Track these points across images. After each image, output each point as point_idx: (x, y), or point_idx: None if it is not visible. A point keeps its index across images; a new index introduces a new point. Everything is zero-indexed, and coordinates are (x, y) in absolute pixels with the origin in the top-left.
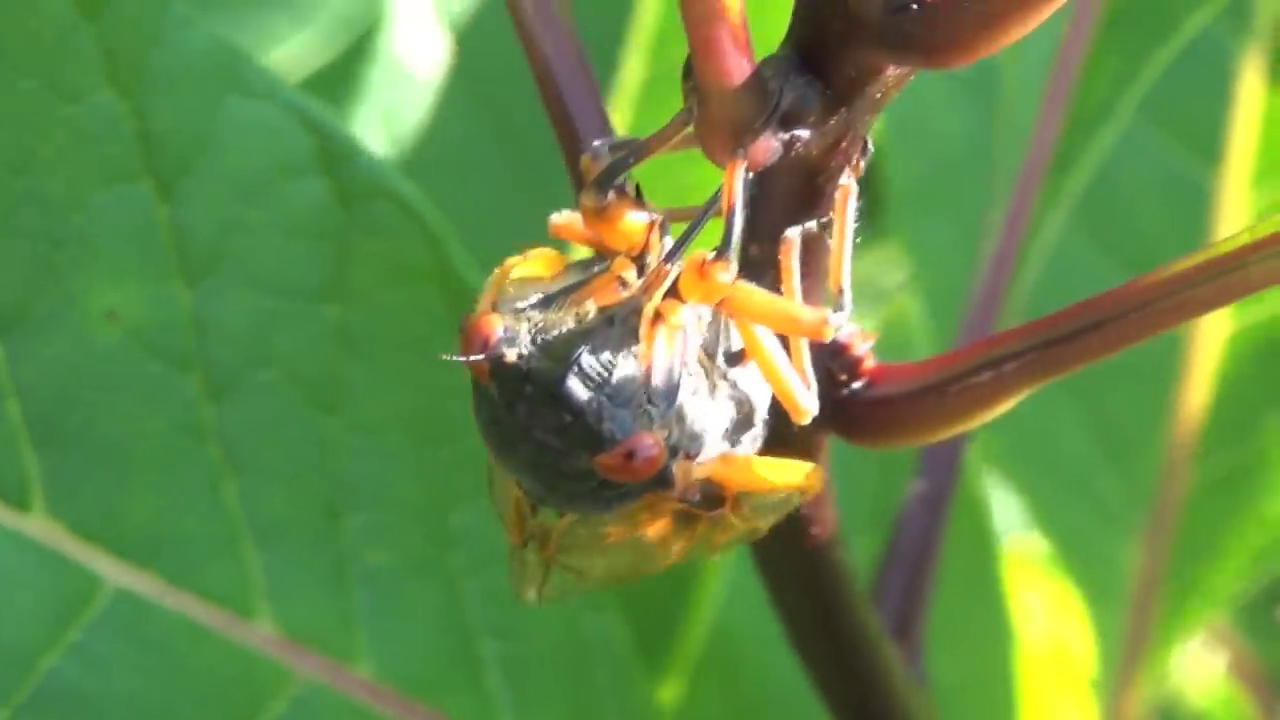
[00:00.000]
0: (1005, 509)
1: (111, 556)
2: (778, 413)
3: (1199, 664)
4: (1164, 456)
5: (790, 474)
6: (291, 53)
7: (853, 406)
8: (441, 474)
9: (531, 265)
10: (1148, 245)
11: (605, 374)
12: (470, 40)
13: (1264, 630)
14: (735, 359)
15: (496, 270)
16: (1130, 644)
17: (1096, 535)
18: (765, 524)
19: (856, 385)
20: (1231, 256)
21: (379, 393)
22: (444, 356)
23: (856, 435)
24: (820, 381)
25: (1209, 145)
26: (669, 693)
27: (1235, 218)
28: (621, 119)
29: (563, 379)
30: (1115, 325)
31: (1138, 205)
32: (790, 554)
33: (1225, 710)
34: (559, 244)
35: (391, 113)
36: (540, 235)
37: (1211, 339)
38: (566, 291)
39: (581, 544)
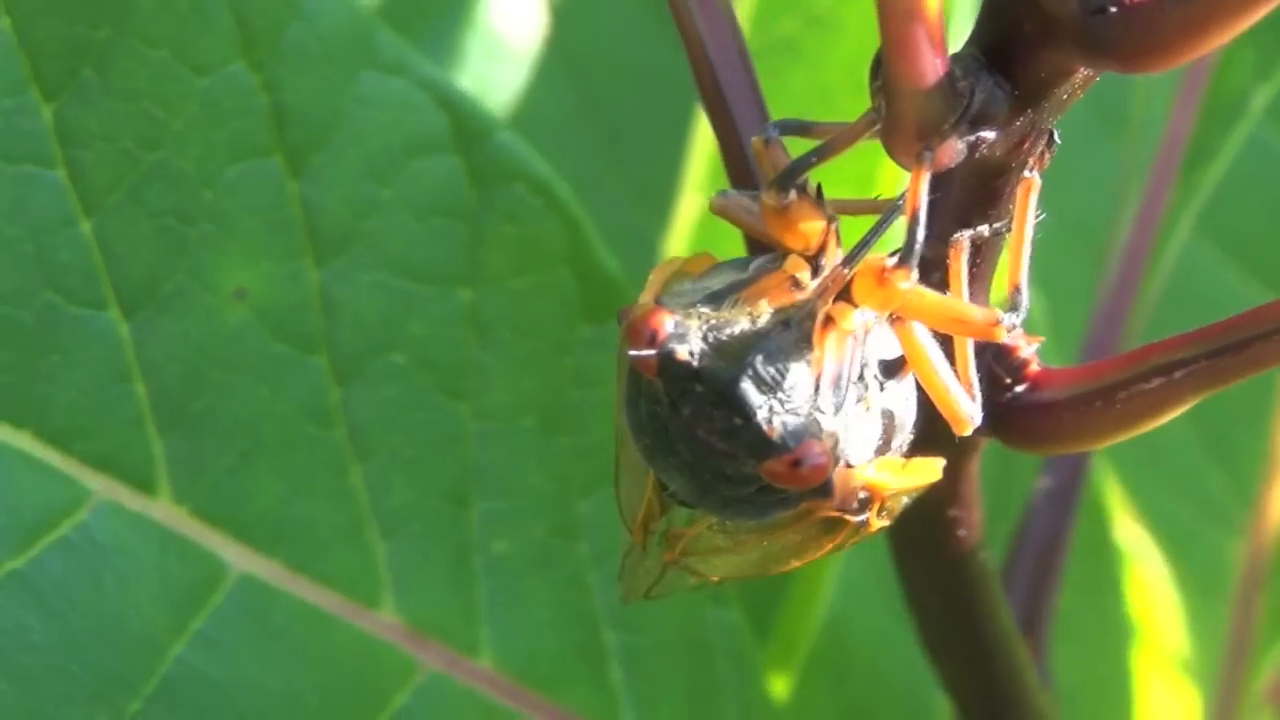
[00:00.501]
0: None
1: (236, 542)
2: (936, 420)
3: None
4: (1269, 451)
5: (929, 473)
6: (386, 22)
7: (1015, 410)
8: (568, 463)
9: (692, 264)
10: (1262, 240)
11: (778, 378)
12: (566, 13)
13: None
14: (890, 370)
15: (659, 265)
16: (1234, 641)
17: (1200, 531)
18: (895, 520)
19: (1020, 389)
20: None
21: (509, 379)
22: (625, 352)
23: (1017, 440)
24: (983, 384)
25: None
26: (780, 686)
27: None
28: None
29: (737, 380)
30: None
31: (1252, 199)
32: (934, 556)
33: None
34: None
35: (485, 85)
36: (632, 211)
37: None
38: (734, 289)
39: (715, 548)
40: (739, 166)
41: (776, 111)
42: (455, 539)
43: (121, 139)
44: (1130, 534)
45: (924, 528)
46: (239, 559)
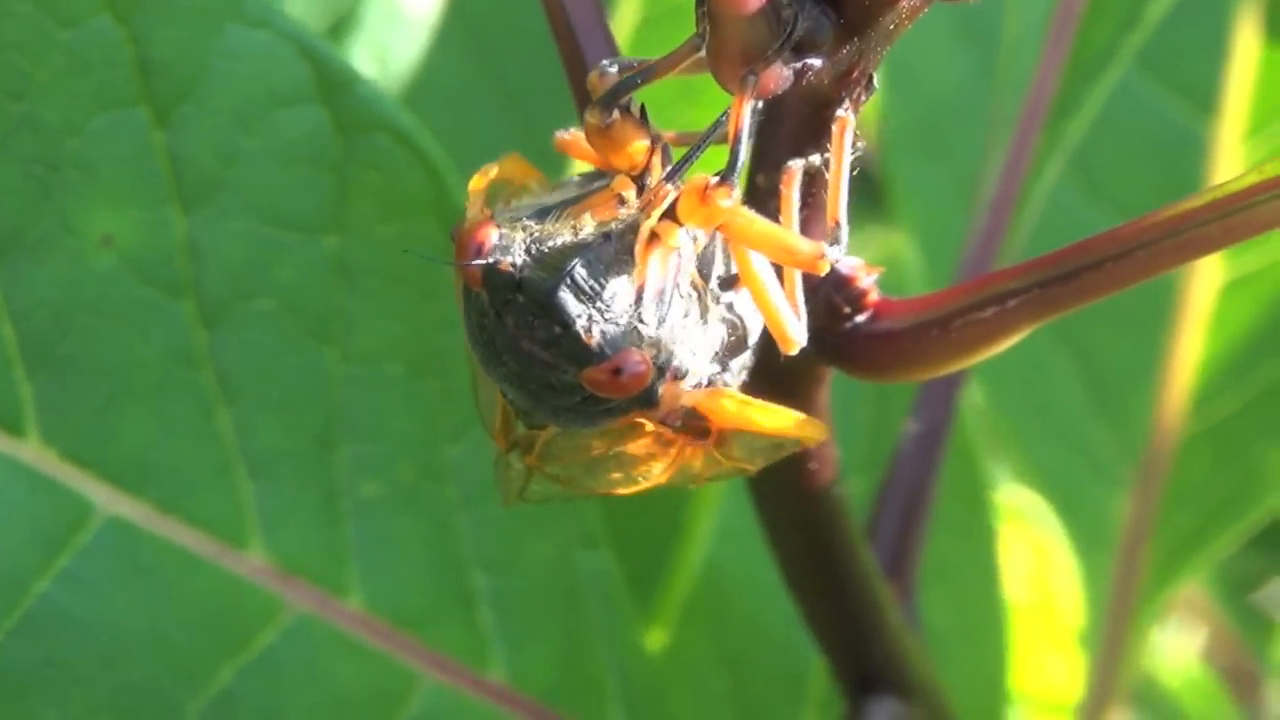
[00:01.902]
0: (998, 464)
1: (104, 482)
2: (770, 343)
3: (1173, 646)
4: (1154, 407)
5: (780, 420)
6: None
7: (855, 339)
8: (436, 407)
9: (505, 169)
10: (1142, 194)
11: (598, 288)
12: None
13: (1235, 617)
14: (729, 284)
15: (475, 176)
16: (1118, 595)
17: (1086, 485)
18: (754, 466)
19: (859, 318)
20: (1238, 195)
21: (375, 324)
22: (437, 261)
23: (858, 368)
24: (823, 313)
25: (1205, 95)
26: (658, 633)
27: (1229, 169)
28: None
29: (555, 290)
30: (1117, 263)
31: (1132, 154)
32: (788, 490)
33: (1198, 693)
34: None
35: (385, 51)
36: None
37: (1204, 288)
38: (564, 205)
39: (564, 455)
40: (586, 102)
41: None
42: (324, 481)
43: None
44: (1018, 488)
45: (778, 462)
46: (107, 500)
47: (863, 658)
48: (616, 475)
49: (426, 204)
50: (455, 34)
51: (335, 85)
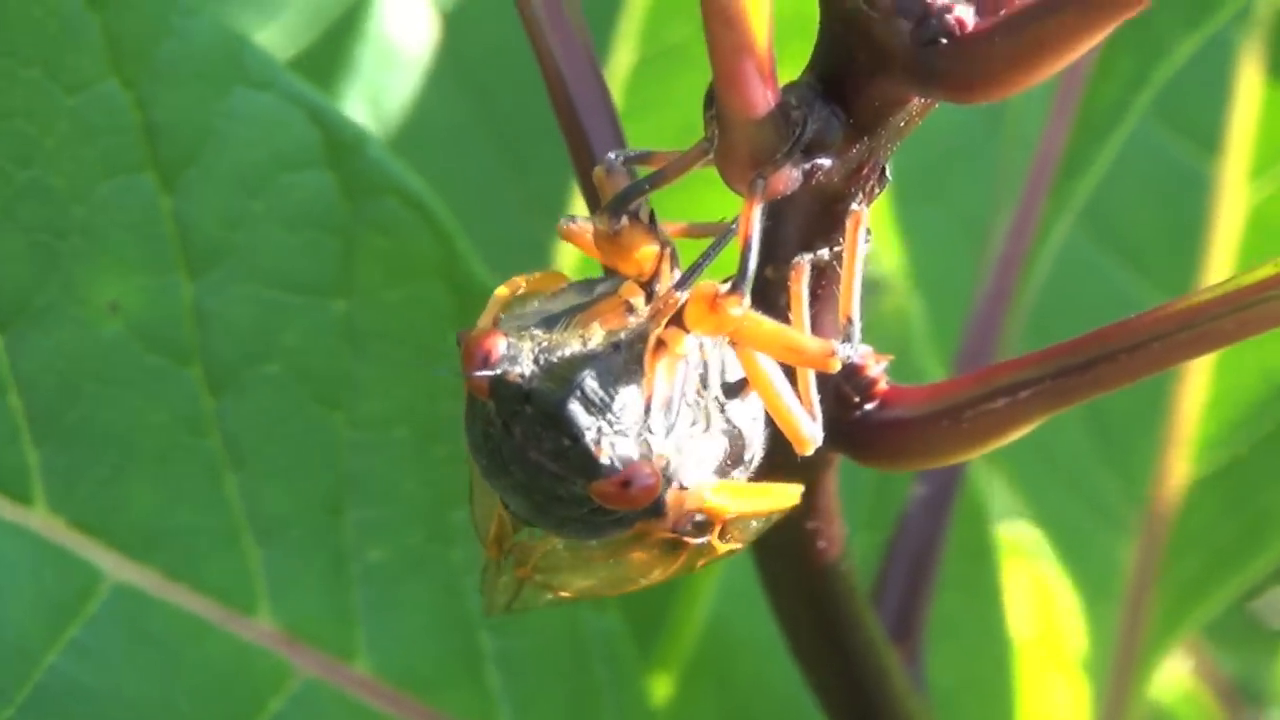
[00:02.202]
0: (1000, 498)
1: (111, 550)
2: (782, 441)
3: (1166, 665)
4: (1160, 452)
5: (780, 499)
6: (279, 31)
7: (863, 428)
8: (443, 471)
9: (537, 284)
10: (1147, 235)
11: (607, 400)
12: (458, 22)
13: (1232, 627)
14: (733, 391)
15: (501, 287)
16: (1125, 639)
17: (1091, 530)
18: (745, 543)
19: (868, 407)
20: (1253, 289)
21: (383, 389)
22: (443, 372)
23: (867, 457)
24: (831, 402)
25: (1209, 136)
26: (662, 691)
27: (1234, 209)
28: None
29: (564, 402)
30: (1132, 356)
31: (1137, 195)
32: (795, 567)
33: (1190, 709)
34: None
35: (378, 93)
36: (524, 218)
37: None
38: (571, 312)
39: (563, 565)
40: (594, 192)
41: (667, 117)
42: (331, 546)
43: None
44: (1024, 535)
45: (784, 540)
46: (115, 567)
47: None
48: (619, 580)
49: (434, 268)
50: (449, 75)
51: (342, 148)
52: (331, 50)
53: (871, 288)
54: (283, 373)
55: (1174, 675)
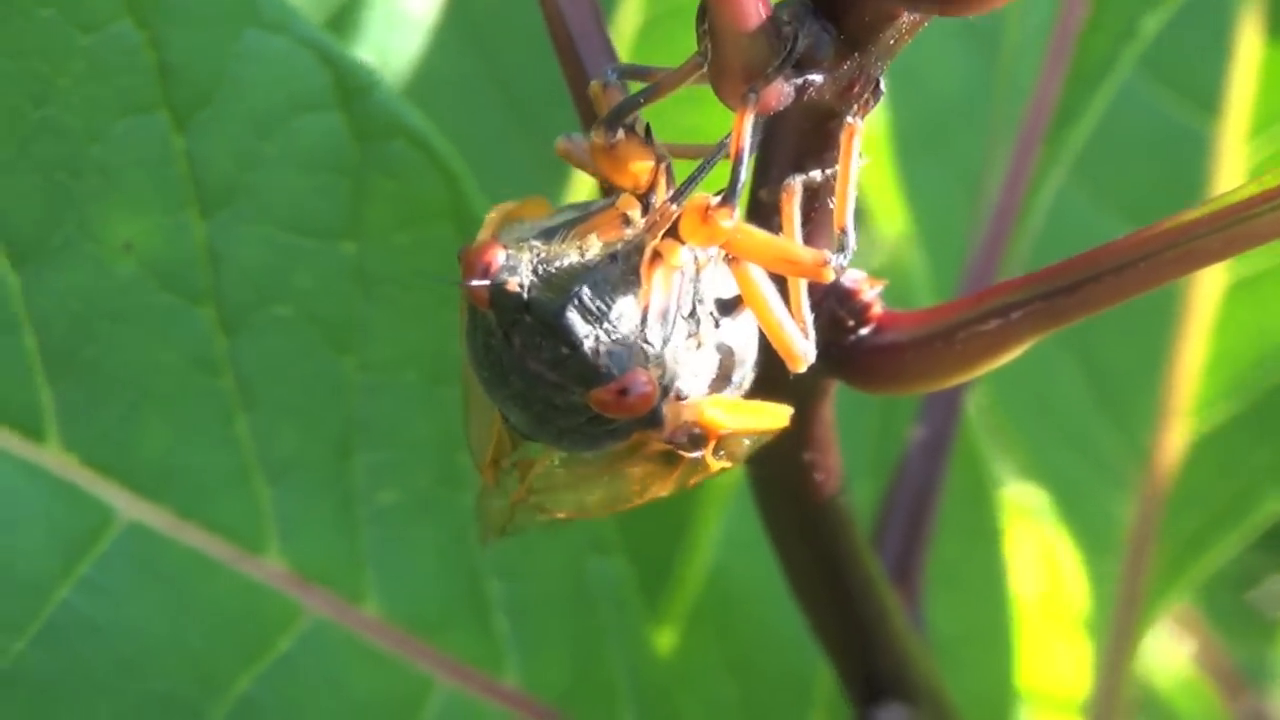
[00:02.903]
0: (1003, 460)
1: (124, 488)
2: (776, 358)
3: (1165, 651)
4: (1159, 409)
5: (772, 417)
6: None
7: (858, 352)
8: (452, 414)
9: (526, 209)
10: (1145, 195)
11: (605, 309)
12: None
13: (1231, 616)
14: (727, 308)
15: (494, 208)
16: (1125, 595)
17: (1091, 487)
18: (738, 462)
19: (863, 331)
20: (1238, 207)
21: (393, 332)
22: (448, 282)
23: (862, 381)
24: (826, 326)
25: (1208, 96)
26: (666, 636)
27: (1233, 169)
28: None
29: (563, 310)
30: (1119, 275)
31: (1136, 155)
32: (793, 500)
33: (1190, 697)
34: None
35: (386, 52)
36: (533, 176)
37: (1209, 291)
38: (569, 225)
39: (559, 484)
40: (588, 111)
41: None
42: (340, 488)
43: (9, 96)
44: (1025, 492)
45: (782, 472)
46: (127, 506)
47: (869, 665)
48: (615, 495)
49: (443, 210)
50: (456, 34)
51: (353, 91)
52: (338, 9)
53: (861, 214)
54: (294, 314)
55: (1174, 662)
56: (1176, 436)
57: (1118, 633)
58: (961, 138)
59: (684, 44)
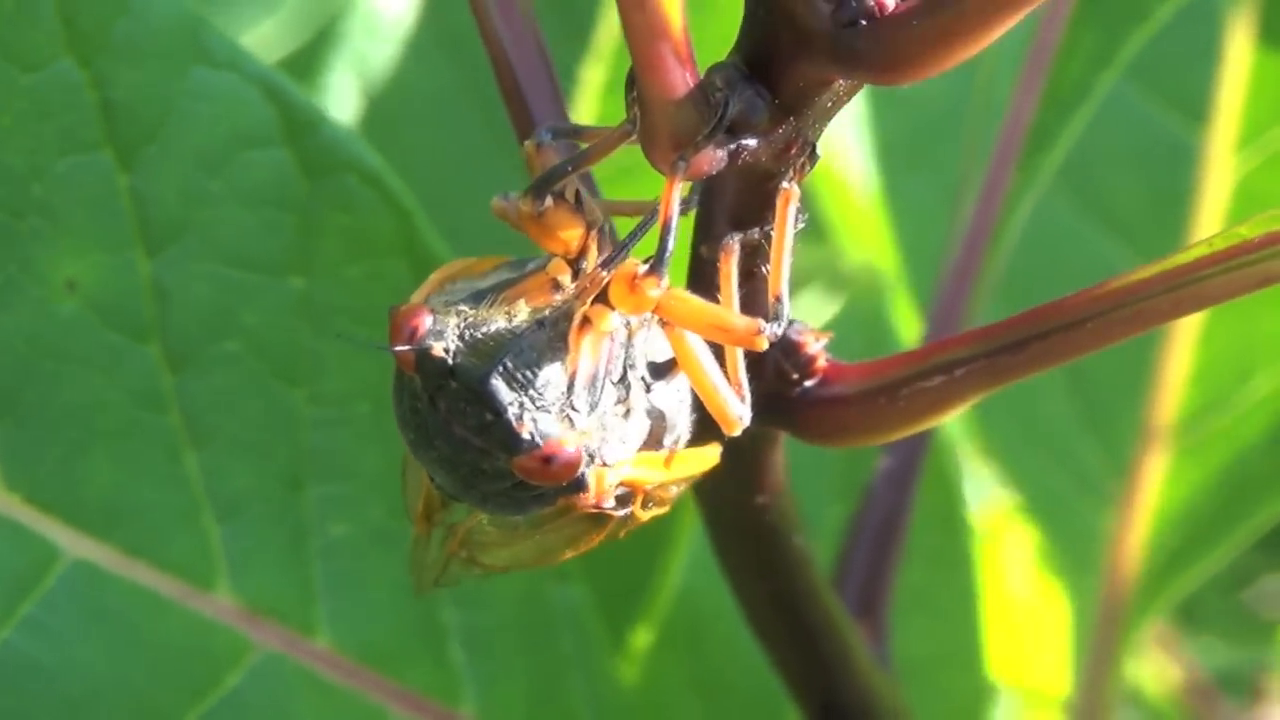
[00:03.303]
0: (984, 469)
1: (69, 527)
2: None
3: (1148, 657)
4: (1142, 422)
5: (701, 462)
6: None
7: (802, 405)
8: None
9: (477, 265)
10: (1131, 204)
11: (531, 376)
12: None
13: (1226, 616)
14: (659, 372)
15: (440, 268)
16: (1105, 609)
17: (1072, 500)
18: (669, 506)
19: (808, 384)
20: (1188, 268)
21: (343, 365)
22: (379, 347)
23: (806, 434)
24: (771, 378)
25: (1196, 105)
26: (631, 664)
27: (1221, 180)
28: (598, 74)
29: (487, 377)
30: (1066, 334)
31: (1122, 164)
32: (746, 543)
33: (1170, 706)
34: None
35: (364, 64)
36: (509, 187)
37: None
38: (499, 289)
39: (489, 540)
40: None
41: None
42: (292, 522)
43: None
44: (1005, 505)
45: (734, 516)
46: (73, 544)
47: (831, 701)
48: (547, 551)
49: (395, 244)
50: (436, 45)
51: (300, 126)
52: (315, 20)
53: (802, 274)
54: (242, 350)
55: (1155, 669)
56: (1160, 451)
57: (1098, 646)
58: (947, 154)
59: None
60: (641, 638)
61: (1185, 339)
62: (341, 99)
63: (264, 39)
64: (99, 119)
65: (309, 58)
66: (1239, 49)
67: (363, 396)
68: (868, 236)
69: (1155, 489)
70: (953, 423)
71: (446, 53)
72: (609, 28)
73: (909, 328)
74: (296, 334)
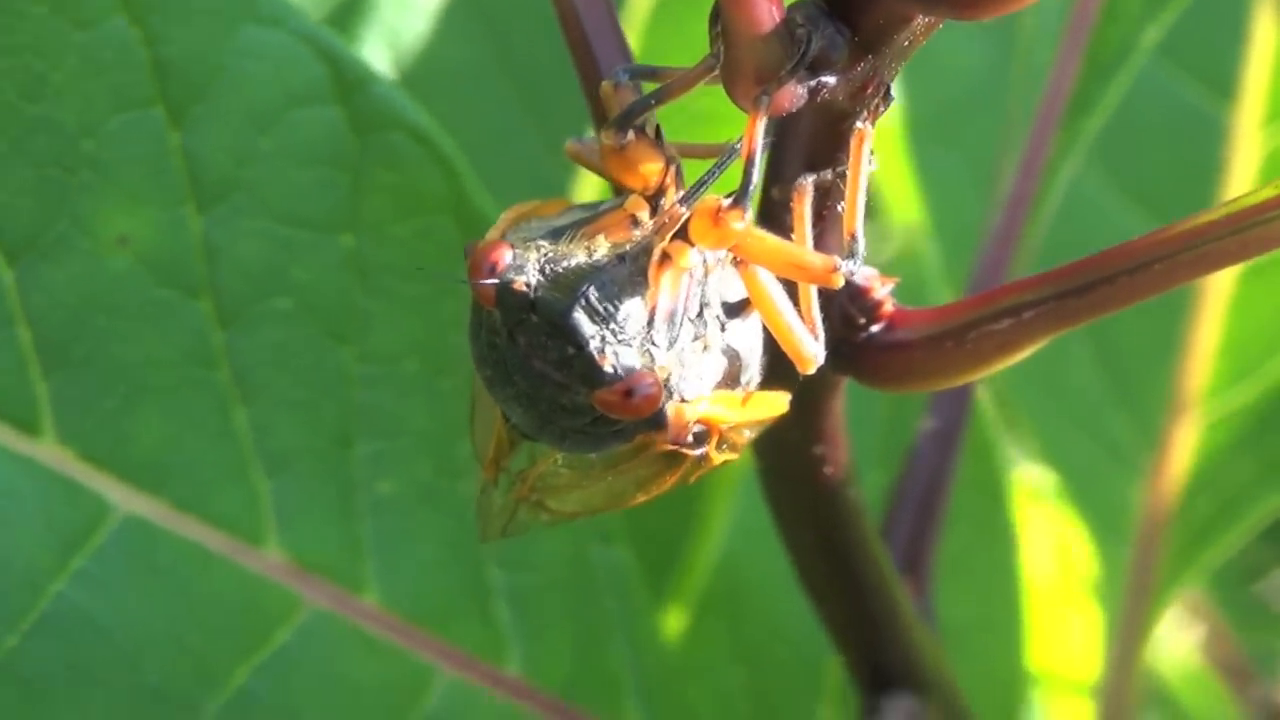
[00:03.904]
0: (1016, 443)
1: (120, 482)
2: (786, 359)
3: (1172, 642)
4: (1172, 393)
5: (774, 406)
6: None
7: (869, 350)
8: (452, 404)
9: (544, 208)
10: (1159, 180)
11: (612, 310)
12: None
13: (1238, 609)
14: (734, 311)
15: (510, 209)
16: (1136, 581)
17: (1103, 472)
18: (740, 452)
19: (874, 329)
20: (1255, 209)
21: (392, 322)
22: (454, 279)
23: (871, 378)
24: (837, 323)
25: (1223, 81)
26: (674, 624)
27: (1248, 156)
28: (630, 44)
29: (569, 310)
30: (1133, 276)
31: (1150, 139)
32: (802, 492)
33: (1197, 688)
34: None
35: (397, 35)
36: (545, 161)
37: (1223, 274)
38: (578, 225)
39: (562, 483)
40: (601, 110)
41: (684, 61)
42: (341, 478)
43: (3, 92)
44: (1037, 476)
45: (790, 465)
46: (124, 499)
47: (878, 656)
48: (619, 493)
49: (443, 202)
50: (467, 18)
51: (350, 84)
52: None
53: (873, 212)
54: (293, 307)
55: (1182, 652)
56: (1189, 422)
57: (1129, 618)
58: (976, 125)
59: (694, 29)
60: (684, 601)
61: (1214, 310)
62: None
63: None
64: (150, 76)
65: (339, 30)
66: (1266, 28)
67: (411, 354)
68: (900, 206)
69: (1185, 460)
70: (982, 396)
71: (479, 25)
72: None
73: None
74: (346, 291)
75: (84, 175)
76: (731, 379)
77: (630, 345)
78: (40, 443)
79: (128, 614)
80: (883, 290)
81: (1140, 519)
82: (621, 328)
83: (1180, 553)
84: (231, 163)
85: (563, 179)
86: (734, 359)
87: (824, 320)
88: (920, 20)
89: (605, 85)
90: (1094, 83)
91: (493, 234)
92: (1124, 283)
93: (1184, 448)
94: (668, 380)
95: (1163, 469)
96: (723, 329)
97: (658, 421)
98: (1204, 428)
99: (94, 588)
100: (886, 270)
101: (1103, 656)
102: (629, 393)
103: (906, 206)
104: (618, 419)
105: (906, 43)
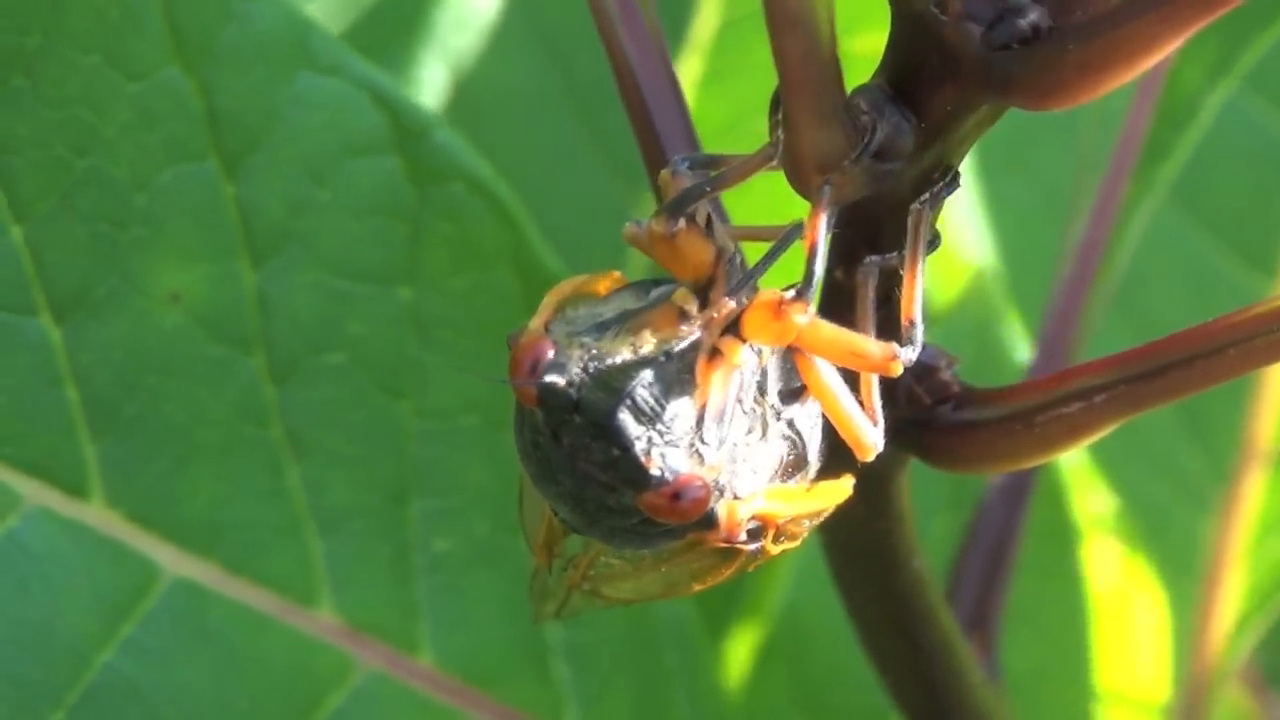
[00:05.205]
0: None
1: (170, 544)
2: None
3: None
4: (1245, 428)
5: (835, 495)
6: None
7: (935, 431)
8: (510, 460)
9: (593, 284)
10: (1239, 212)
11: (658, 410)
12: None
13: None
14: (790, 397)
15: (554, 289)
16: (1205, 619)
17: (1173, 507)
18: (800, 541)
19: (940, 409)
20: None
21: (450, 378)
22: (497, 380)
23: (937, 460)
24: (902, 402)
25: None
26: (735, 672)
27: None
28: (694, 67)
29: (614, 411)
30: (1208, 361)
31: (1231, 171)
32: (866, 567)
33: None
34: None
35: (457, 58)
36: (605, 185)
37: None
38: (623, 318)
39: (614, 573)
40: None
41: (751, 82)
42: (395, 537)
43: (53, 145)
44: (1105, 511)
45: (855, 540)
46: (173, 562)
47: (936, 715)
48: (674, 584)
49: (502, 254)
50: (528, 40)
51: (409, 133)
52: (407, 16)
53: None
54: (347, 362)
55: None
56: (1262, 455)
57: (1198, 656)
58: (1048, 155)
59: (759, 51)
60: (744, 652)
61: None
62: (431, 93)
63: (320, 10)
64: (205, 127)
65: (397, 51)
66: None
67: (469, 409)
68: (966, 239)
69: (1258, 497)
70: None
71: (536, 43)
72: (705, 20)
73: (1016, 335)
74: (403, 345)
75: (135, 230)
76: (790, 468)
77: (678, 446)
78: (88, 505)
79: (177, 683)
80: (948, 370)
81: (1210, 556)
82: (669, 428)
83: (1252, 590)
84: (286, 214)
85: (627, 203)
86: (792, 446)
87: (886, 403)
88: (987, 107)
89: (664, 174)
90: (1169, 129)
91: (536, 322)
92: (1199, 366)
93: (1256, 484)
94: (717, 480)
95: (1233, 505)
96: (778, 418)
97: (708, 521)
98: (1277, 462)
99: (141, 656)
100: (956, 309)
101: (1170, 695)
102: (676, 496)
103: (976, 237)
104: (665, 521)
105: (974, 126)
